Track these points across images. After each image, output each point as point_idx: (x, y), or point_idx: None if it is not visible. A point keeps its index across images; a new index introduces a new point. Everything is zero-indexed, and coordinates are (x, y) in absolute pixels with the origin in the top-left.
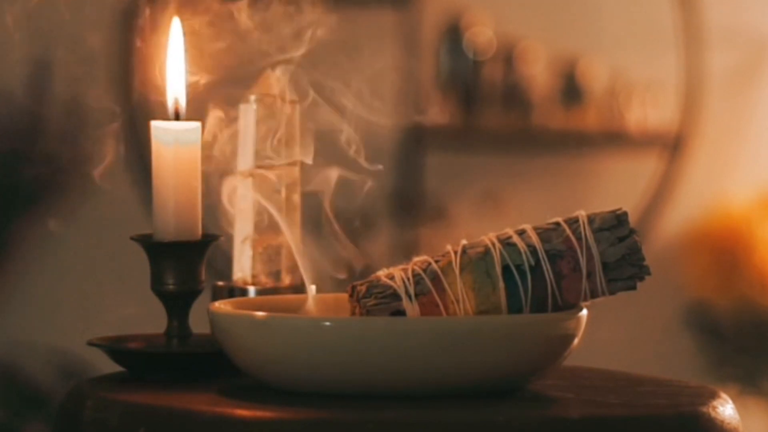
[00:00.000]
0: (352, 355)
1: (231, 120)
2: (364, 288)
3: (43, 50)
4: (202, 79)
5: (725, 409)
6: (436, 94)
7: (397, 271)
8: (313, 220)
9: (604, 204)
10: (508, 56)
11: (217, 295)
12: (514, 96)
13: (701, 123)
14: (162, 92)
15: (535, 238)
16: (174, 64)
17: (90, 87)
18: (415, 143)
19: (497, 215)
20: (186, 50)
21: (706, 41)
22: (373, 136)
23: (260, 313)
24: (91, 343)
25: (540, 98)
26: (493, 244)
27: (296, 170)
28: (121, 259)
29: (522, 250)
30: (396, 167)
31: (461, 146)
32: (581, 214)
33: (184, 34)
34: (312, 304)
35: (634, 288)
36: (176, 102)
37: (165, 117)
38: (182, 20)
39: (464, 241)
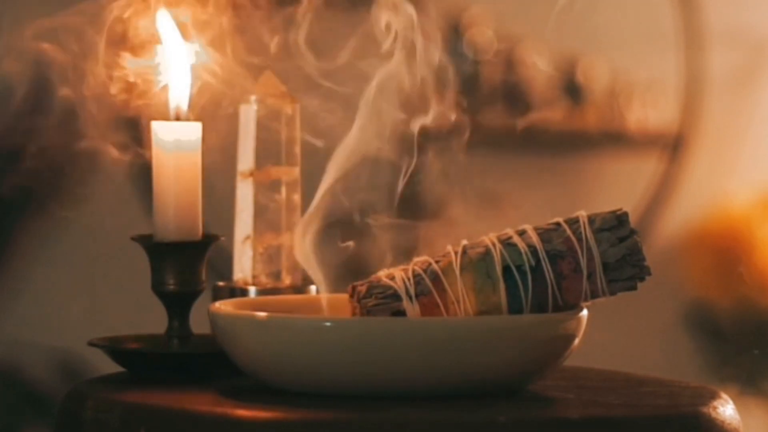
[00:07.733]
0: (352, 356)
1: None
2: (364, 288)
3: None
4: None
5: (726, 409)
6: (436, 94)
7: (397, 272)
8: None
9: (605, 204)
10: (508, 56)
11: (218, 295)
12: (514, 96)
13: (701, 123)
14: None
15: (535, 239)
16: (172, 60)
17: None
18: (415, 143)
19: (497, 215)
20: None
21: (707, 41)
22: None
23: (261, 314)
24: (91, 343)
25: (540, 98)
26: (494, 245)
27: (296, 170)
28: (121, 259)
29: (522, 251)
30: (396, 167)
31: (461, 146)
32: (582, 214)
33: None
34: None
35: (634, 288)
36: (177, 102)
37: (166, 117)
38: (171, 14)
39: (465, 242)
